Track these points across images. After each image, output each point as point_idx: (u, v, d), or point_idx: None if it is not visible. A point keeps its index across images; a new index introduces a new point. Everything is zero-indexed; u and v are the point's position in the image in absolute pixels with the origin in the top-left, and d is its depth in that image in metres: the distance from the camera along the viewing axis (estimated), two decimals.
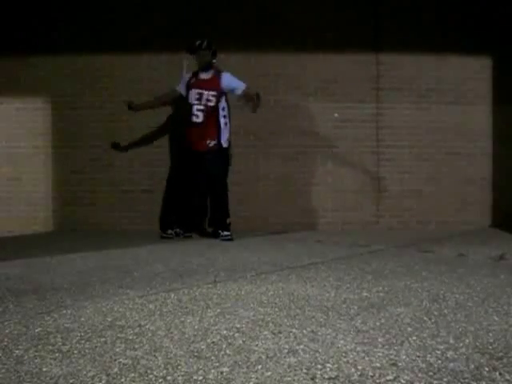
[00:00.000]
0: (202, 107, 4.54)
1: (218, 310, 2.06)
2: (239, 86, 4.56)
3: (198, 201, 4.96)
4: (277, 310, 2.07)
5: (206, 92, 4.54)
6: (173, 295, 2.34)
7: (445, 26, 5.48)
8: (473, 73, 5.54)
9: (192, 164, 4.62)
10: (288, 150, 5.53)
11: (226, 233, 4.57)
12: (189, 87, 4.60)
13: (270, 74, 5.46)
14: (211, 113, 4.56)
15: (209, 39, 4.60)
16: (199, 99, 4.54)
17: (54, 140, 5.50)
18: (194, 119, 4.55)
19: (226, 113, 4.62)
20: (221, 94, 4.58)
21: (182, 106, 4.82)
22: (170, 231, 4.71)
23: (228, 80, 4.59)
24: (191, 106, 4.56)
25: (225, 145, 4.61)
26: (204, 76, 4.60)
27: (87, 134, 5.48)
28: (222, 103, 4.60)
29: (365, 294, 2.35)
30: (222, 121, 4.59)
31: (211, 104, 4.55)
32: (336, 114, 5.53)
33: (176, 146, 4.88)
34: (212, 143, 4.55)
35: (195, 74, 4.63)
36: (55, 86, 5.46)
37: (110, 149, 5.47)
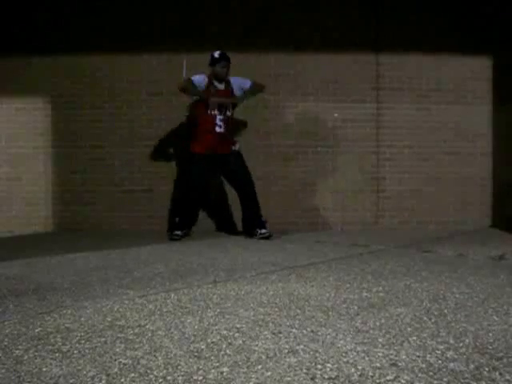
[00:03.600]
0: (223, 117, 4.54)
1: (218, 310, 2.06)
2: (247, 82, 4.62)
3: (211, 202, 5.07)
4: (277, 309, 2.07)
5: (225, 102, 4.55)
6: (173, 295, 2.34)
7: (445, 26, 5.48)
8: (473, 73, 5.54)
9: (212, 167, 4.60)
10: (288, 150, 5.53)
11: (263, 230, 4.56)
12: (207, 98, 4.49)
13: (270, 74, 5.46)
14: (230, 122, 4.62)
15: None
16: (220, 110, 4.52)
17: (53, 140, 5.51)
18: (218, 129, 4.53)
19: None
20: (234, 96, 4.61)
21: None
22: (178, 232, 4.64)
23: (237, 82, 4.61)
24: (213, 117, 4.51)
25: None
26: (220, 86, 4.58)
27: (87, 134, 5.48)
28: (250, 89, 4.66)
29: (365, 294, 2.35)
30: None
31: (229, 114, 4.59)
32: (336, 114, 5.53)
33: (187, 149, 4.80)
34: (233, 147, 4.61)
35: (210, 82, 4.54)
36: (55, 85, 5.46)
37: (110, 149, 5.48)
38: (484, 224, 5.53)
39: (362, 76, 5.51)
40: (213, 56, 4.53)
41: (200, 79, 4.49)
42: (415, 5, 5.51)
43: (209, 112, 4.50)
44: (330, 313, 2.01)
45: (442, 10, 5.50)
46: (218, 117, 4.52)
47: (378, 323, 1.86)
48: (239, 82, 4.62)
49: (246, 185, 4.62)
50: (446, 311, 2.03)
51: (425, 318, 1.92)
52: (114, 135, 5.48)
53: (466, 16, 5.48)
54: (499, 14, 5.39)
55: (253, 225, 4.62)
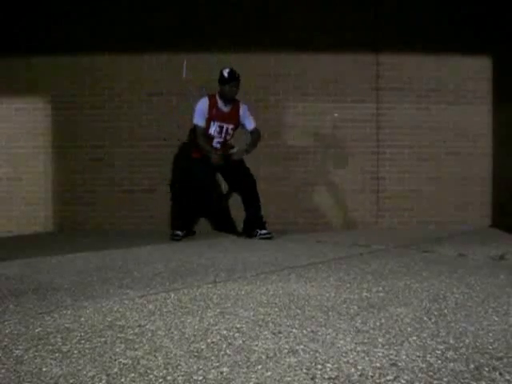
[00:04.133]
0: (221, 139, 4.55)
1: (218, 310, 2.05)
2: (250, 125, 4.59)
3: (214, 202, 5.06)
4: (277, 309, 2.07)
5: (226, 125, 4.51)
6: (173, 295, 2.34)
7: (445, 26, 5.48)
8: (473, 73, 5.55)
9: (212, 167, 4.53)
10: (288, 150, 5.53)
11: (264, 231, 4.56)
12: (210, 117, 4.45)
13: (270, 74, 5.46)
14: (227, 146, 4.62)
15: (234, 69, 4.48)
16: (220, 132, 4.51)
17: (54, 140, 5.51)
18: (215, 145, 4.55)
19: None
20: (237, 125, 4.60)
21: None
22: (178, 232, 4.62)
23: (244, 113, 4.56)
24: (211, 137, 4.51)
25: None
26: (225, 108, 4.49)
27: (87, 134, 5.48)
28: (249, 136, 4.66)
29: (365, 294, 2.35)
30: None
31: (228, 137, 4.59)
32: (336, 114, 5.54)
33: (188, 153, 4.79)
34: (232, 151, 4.61)
35: (214, 104, 4.45)
36: (55, 85, 5.46)
37: (110, 149, 5.48)
38: (484, 224, 5.53)
39: (362, 76, 5.51)
40: (222, 74, 4.37)
41: (203, 107, 4.41)
42: (415, 5, 5.51)
43: (209, 132, 4.48)
44: (330, 313, 2.01)
45: (441, 10, 5.50)
46: (217, 139, 4.54)
47: (378, 323, 1.86)
48: (246, 115, 4.56)
49: (246, 184, 4.61)
50: (446, 311, 2.02)
51: (425, 318, 1.92)
52: (114, 135, 5.48)
53: (465, 16, 5.48)
54: (499, 14, 5.39)
55: (253, 225, 4.61)
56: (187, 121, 5.10)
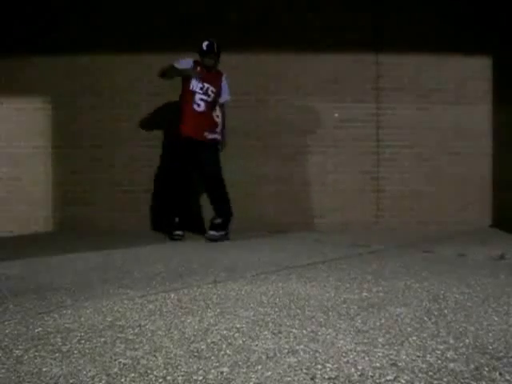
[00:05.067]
0: (204, 97, 4.52)
1: (218, 310, 2.05)
2: (225, 96, 4.64)
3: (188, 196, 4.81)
4: (277, 309, 2.07)
5: (207, 85, 4.53)
6: (173, 295, 2.34)
7: (445, 26, 5.48)
8: (473, 73, 5.55)
9: (187, 156, 4.49)
10: (288, 150, 5.53)
11: (212, 232, 4.49)
12: (196, 77, 4.50)
13: (269, 74, 5.46)
14: (210, 107, 4.56)
15: (217, 42, 4.54)
16: (202, 88, 4.51)
17: (54, 140, 5.51)
18: (196, 108, 4.49)
19: (219, 117, 4.65)
20: (218, 93, 4.59)
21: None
22: (178, 232, 4.60)
23: (224, 83, 4.63)
24: (193, 93, 4.49)
25: (219, 139, 4.62)
26: (207, 72, 4.58)
27: (87, 134, 5.48)
28: (217, 105, 4.63)
29: (365, 293, 2.35)
30: (217, 120, 4.62)
31: (210, 99, 4.55)
32: (336, 114, 5.54)
33: (169, 143, 4.80)
34: (210, 136, 4.52)
35: (198, 64, 4.54)
36: (55, 85, 5.46)
37: (110, 149, 5.48)
38: (484, 224, 5.53)
39: (362, 76, 5.51)
40: (201, 47, 4.51)
41: (186, 63, 4.48)
42: (415, 5, 5.51)
43: (190, 87, 4.48)
44: (330, 313, 2.01)
45: (442, 10, 5.50)
46: (199, 96, 4.49)
47: (378, 323, 1.86)
48: (225, 86, 4.64)
49: (211, 179, 4.54)
50: (446, 311, 2.02)
51: (425, 318, 1.92)
52: (114, 135, 5.48)
53: (466, 16, 5.48)
54: (499, 14, 5.40)
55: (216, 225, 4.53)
56: None
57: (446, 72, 5.54)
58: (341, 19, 5.49)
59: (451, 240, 4.54)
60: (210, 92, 4.54)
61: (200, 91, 4.50)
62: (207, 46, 4.50)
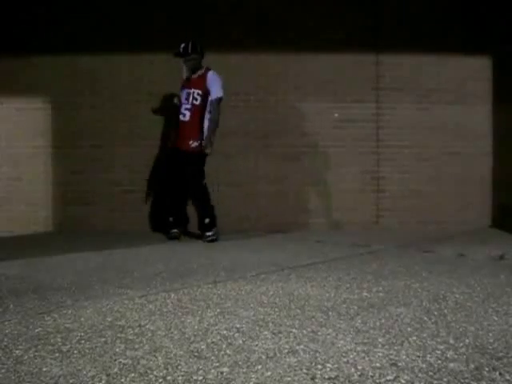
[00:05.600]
0: (189, 106, 4.53)
1: (218, 310, 2.05)
2: (212, 95, 4.46)
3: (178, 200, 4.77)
4: (277, 310, 2.07)
5: (192, 90, 4.53)
6: (173, 295, 2.34)
7: (445, 26, 5.48)
8: (473, 73, 5.54)
9: (175, 163, 4.56)
10: (288, 150, 5.53)
11: (209, 233, 4.47)
12: (181, 89, 4.64)
13: (270, 74, 5.46)
14: (197, 112, 4.50)
15: (193, 41, 4.53)
16: (187, 98, 4.54)
17: (54, 140, 5.50)
18: (181, 118, 4.55)
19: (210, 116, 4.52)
20: (206, 93, 4.49)
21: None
22: (175, 230, 4.62)
23: (210, 80, 4.49)
24: (180, 105, 4.60)
25: (204, 145, 4.46)
26: (194, 76, 4.59)
27: (87, 134, 5.48)
28: (209, 105, 4.49)
29: (365, 293, 2.35)
30: (206, 123, 4.49)
31: (197, 103, 4.49)
32: (336, 114, 5.53)
33: (162, 147, 4.85)
34: (194, 144, 4.46)
35: (188, 76, 4.63)
36: (55, 85, 5.46)
37: (110, 149, 5.48)
38: (484, 224, 5.53)
39: (362, 76, 5.51)
40: (178, 51, 4.51)
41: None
42: (415, 5, 5.51)
43: (176, 101, 4.64)
44: (330, 313, 2.01)
45: (441, 10, 5.50)
46: (184, 105, 4.54)
47: (378, 323, 1.86)
48: (211, 82, 4.47)
49: (192, 188, 4.51)
50: (446, 311, 2.02)
51: (425, 318, 1.92)
52: (114, 135, 5.48)
53: (466, 16, 5.48)
54: (499, 14, 5.39)
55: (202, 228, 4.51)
56: None
57: (446, 72, 5.54)
58: (341, 19, 5.49)
59: (451, 240, 4.54)
60: (195, 96, 4.51)
61: (185, 101, 4.55)
62: (183, 48, 4.51)
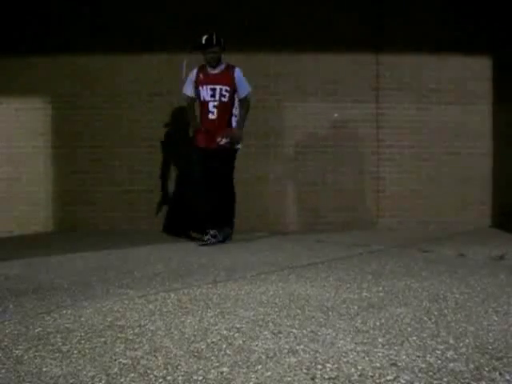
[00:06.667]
0: (216, 103, 4.37)
1: (218, 310, 2.05)
2: (240, 93, 4.41)
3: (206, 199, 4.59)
4: (277, 310, 2.07)
5: (217, 87, 4.37)
6: (173, 295, 2.34)
7: (445, 26, 5.48)
8: (473, 73, 5.54)
9: (205, 162, 4.38)
10: (288, 150, 5.53)
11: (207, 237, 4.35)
12: (198, 84, 4.40)
13: (270, 74, 5.46)
14: (226, 109, 4.39)
15: (216, 34, 4.38)
16: (213, 95, 4.37)
17: (53, 140, 5.51)
18: (210, 116, 4.37)
19: (236, 112, 4.46)
20: (234, 90, 4.40)
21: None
22: (213, 232, 4.39)
23: (239, 78, 4.42)
24: (206, 103, 4.38)
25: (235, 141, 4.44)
26: (214, 71, 4.41)
27: (87, 134, 5.48)
28: (235, 101, 4.43)
29: (365, 293, 2.35)
30: (234, 119, 4.44)
31: (225, 100, 4.38)
32: (336, 114, 5.53)
33: (176, 147, 4.71)
34: (223, 141, 4.35)
35: (202, 70, 4.42)
36: (55, 85, 5.46)
37: (110, 149, 5.48)
38: (484, 224, 5.53)
39: (362, 76, 5.51)
40: (200, 43, 4.35)
41: (190, 76, 4.43)
42: (415, 5, 5.50)
43: (202, 98, 4.38)
44: (330, 313, 2.01)
45: (442, 10, 5.50)
46: (212, 103, 4.36)
47: (377, 323, 1.86)
48: (239, 80, 4.40)
49: (222, 186, 4.41)
50: (446, 311, 2.02)
51: (425, 318, 1.92)
52: (114, 135, 5.48)
53: (466, 16, 5.48)
54: (499, 14, 5.39)
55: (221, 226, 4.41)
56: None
57: (446, 72, 5.53)
58: (341, 19, 5.48)
59: (451, 240, 4.54)
60: (223, 93, 4.36)
61: (211, 98, 4.37)
62: (206, 39, 4.33)
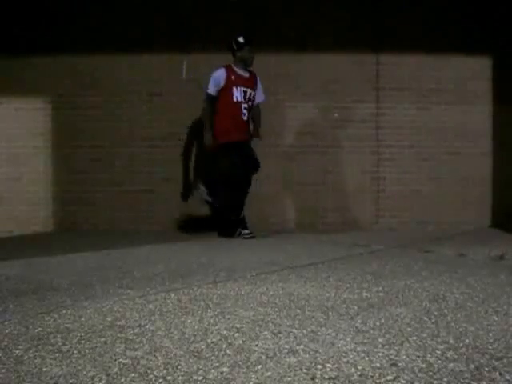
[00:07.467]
0: (247, 106, 4.50)
1: (218, 310, 2.05)
2: (259, 98, 4.66)
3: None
4: (277, 310, 2.06)
5: (248, 90, 4.50)
6: (173, 295, 2.34)
7: (445, 26, 5.48)
8: (473, 73, 5.54)
9: (242, 153, 4.52)
10: (288, 150, 5.53)
11: (246, 231, 4.65)
12: (230, 85, 4.43)
13: (270, 74, 5.46)
14: (250, 113, 4.61)
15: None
16: (245, 98, 4.48)
17: (53, 140, 5.51)
18: (244, 118, 4.51)
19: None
20: (255, 95, 4.62)
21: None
22: (246, 231, 4.62)
23: (259, 84, 4.63)
24: (239, 103, 4.46)
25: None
26: (244, 74, 4.51)
27: (87, 134, 5.48)
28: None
29: (365, 293, 2.34)
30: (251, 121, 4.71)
31: (251, 104, 4.57)
32: (336, 114, 5.53)
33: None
34: (248, 135, 4.65)
35: (232, 72, 4.46)
36: (55, 85, 5.46)
37: (110, 149, 5.48)
38: (484, 224, 5.53)
39: (362, 76, 5.51)
40: (237, 41, 4.40)
41: (218, 75, 4.41)
42: (415, 5, 5.51)
43: (234, 98, 4.42)
44: (330, 313, 2.01)
45: (442, 10, 5.50)
46: (243, 105, 4.47)
47: (378, 323, 1.86)
48: (259, 86, 4.63)
49: (252, 173, 4.63)
50: (446, 311, 2.02)
51: (425, 318, 1.92)
52: (114, 135, 5.48)
53: (466, 16, 5.48)
54: (499, 14, 5.39)
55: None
56: (186, 120, 5.10)
57: (446, 72, 5.54)
58: (341, 19, 5.49)
59: (451, 240, 4.54)
60: (251, 97, 4.52)
61: (243, 100, 4.47)
62: (245, 38, 4.40)
